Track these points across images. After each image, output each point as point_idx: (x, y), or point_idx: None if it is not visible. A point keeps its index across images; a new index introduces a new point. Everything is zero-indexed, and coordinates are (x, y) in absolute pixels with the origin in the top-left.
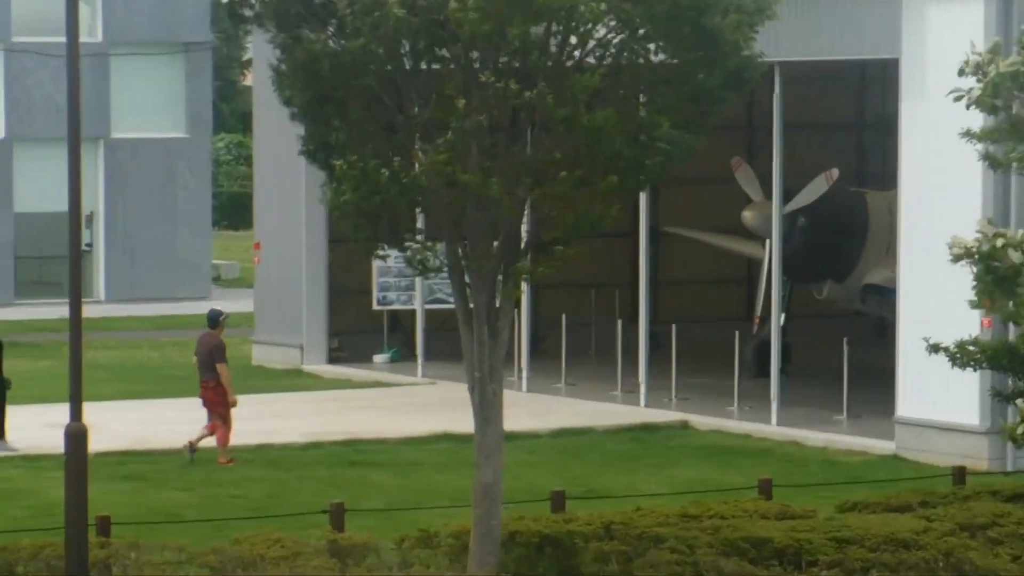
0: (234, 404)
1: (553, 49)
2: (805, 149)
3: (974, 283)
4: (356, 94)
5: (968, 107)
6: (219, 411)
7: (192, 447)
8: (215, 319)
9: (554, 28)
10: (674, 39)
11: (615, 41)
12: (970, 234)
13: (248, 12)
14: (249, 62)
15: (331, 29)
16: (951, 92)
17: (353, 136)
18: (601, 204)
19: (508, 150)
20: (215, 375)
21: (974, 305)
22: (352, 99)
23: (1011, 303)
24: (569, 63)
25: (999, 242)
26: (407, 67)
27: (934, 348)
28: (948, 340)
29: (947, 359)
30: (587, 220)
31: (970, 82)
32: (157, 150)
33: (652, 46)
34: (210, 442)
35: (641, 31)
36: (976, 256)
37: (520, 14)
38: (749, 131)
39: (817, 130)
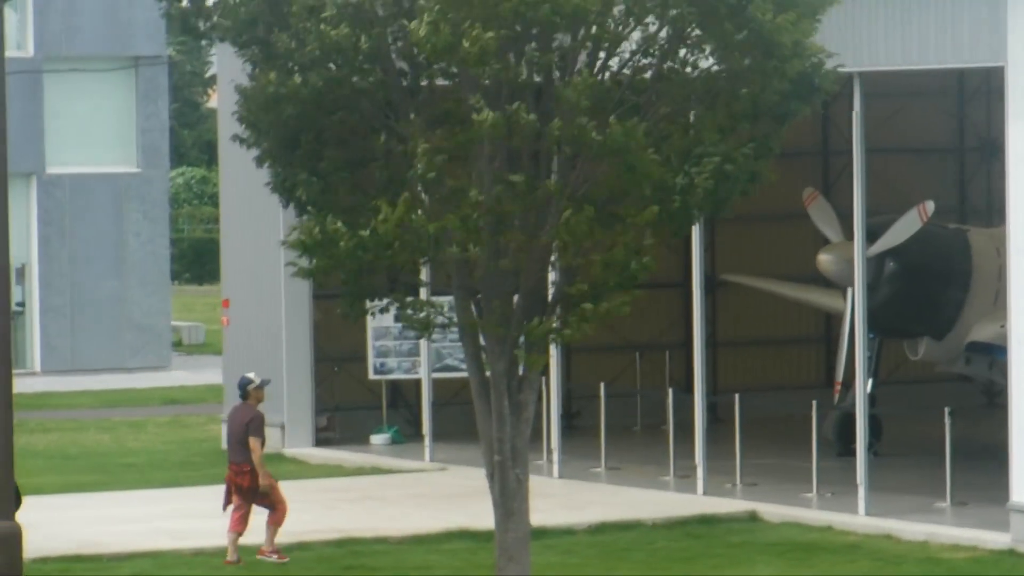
0: (268, 488)
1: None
2: (893, 178)
3: None
4: (331, 129)
5: None
6: (261, 501)
7: (274, 551)
8: (243, 387)
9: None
10: (717, 35)
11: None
12: None
13: (203, 25)
14: (214, 79)
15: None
16: None
17: (327, 185)
18: (637, 245)
19: (525, 188)
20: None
21: None
22: (326, 135)
23: None
24: (594, 76)
25: None
26: (403, 84)
27: None
28: None
29: None
30: (620, 266)
31: None
32: (103, 188)
33: (693, 52)
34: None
35: (669, 30)
36: None
37: (480, 21)
38: (825, 157)
39: (908, 155)
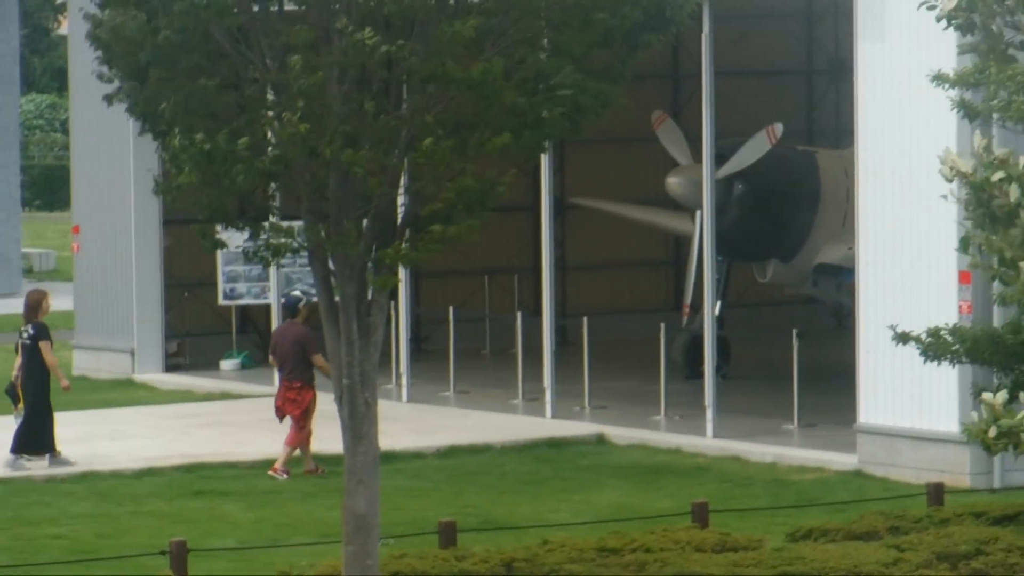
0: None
1: None
2: (742, 101)
3: (964, 217)
4: (189, 58)
5: (939, 20)
6: (298, 418)
7: (285, 471)
8: (294, 305)
9: None
10: None
11: None
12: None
13: None
14: (64, 6)
15: None
16: (922, 3)
17: (190, 104)
18: (490, 171)
19: (376, 112)
20: (304, 375)
21: (962, 248)
22: (183, 66)
23: (995, 258)
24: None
25: (996, 175)
26: (255, 11)
27: (902, 338)
28: (919, 328)
29: (918, 352)
30: (473, 192)
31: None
32: None
33: None
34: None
35: None
36: (967, 183)
37: None
38: (674, 80)
39: (756, 77)
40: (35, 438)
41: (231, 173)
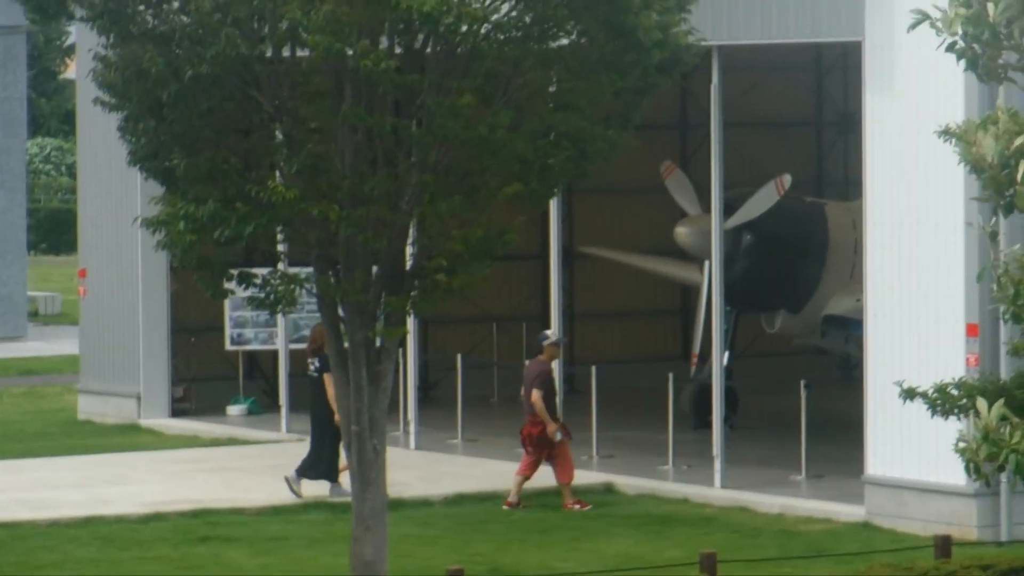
0: (554, 435)
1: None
2: (751, 151)
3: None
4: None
5: (948, 50)
6: (549, 453)
7: (517, 503)
8: (539, 342)
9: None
10: (585, 20)
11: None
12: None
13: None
14: (72, 49)
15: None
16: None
17: (193, 151)
18: (496, 217)
19: (384, 162)
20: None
21: (979, 278)
22: (203, 107)
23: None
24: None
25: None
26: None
27: (909, 394)
28: (927, 383)
29: (925, 406)
30: (480, 242)
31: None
32: None
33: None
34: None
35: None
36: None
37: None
38: (683, 130)
39: (765, 128)
40: (319, 465)
41: (221, 235)
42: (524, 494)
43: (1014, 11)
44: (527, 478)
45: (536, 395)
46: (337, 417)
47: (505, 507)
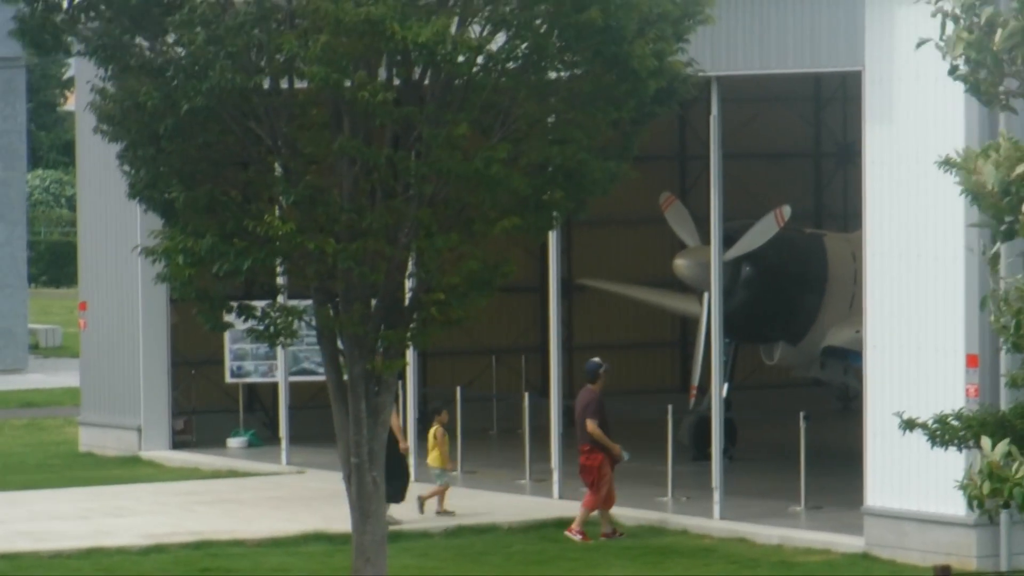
0: (621, 456)
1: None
2: (750, 183)
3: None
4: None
5: (950, 74)
6: (592, 481)
7: (612, 532)
8: (593, 371)
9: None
10: (580, 51)
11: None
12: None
13: (52, 40)
14: (71, 81)
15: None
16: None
17: (191, 183)
18: (496, 254)
19: (383, 195)
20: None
21: (982, 306)
22: (200, 140)
23: (1015, 322)
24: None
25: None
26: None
27: (909, 425)
28: (927, 412)
29: (925, 437)
30: (478, 275)
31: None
32: None
33: (553, 65)
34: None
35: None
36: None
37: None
38: (682, 161)
39: (764, 160)
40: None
41: (220, 269)
42: (523, 527)
43: (1017, 39)
44: (607, 508)
45: (592, 424)
46: (402, 445)
47: (602, 538)
